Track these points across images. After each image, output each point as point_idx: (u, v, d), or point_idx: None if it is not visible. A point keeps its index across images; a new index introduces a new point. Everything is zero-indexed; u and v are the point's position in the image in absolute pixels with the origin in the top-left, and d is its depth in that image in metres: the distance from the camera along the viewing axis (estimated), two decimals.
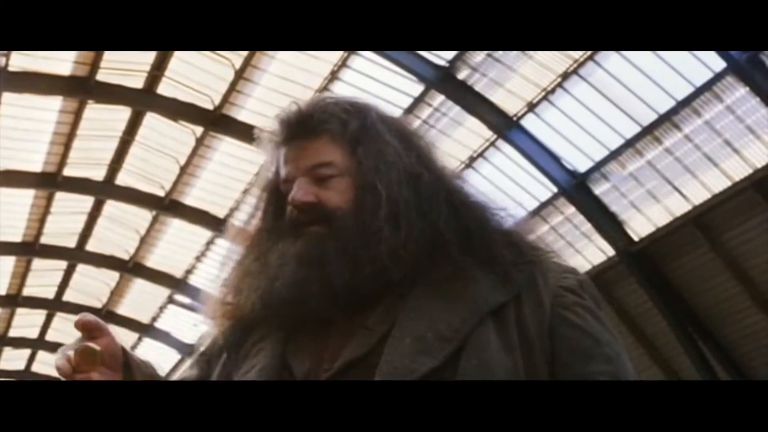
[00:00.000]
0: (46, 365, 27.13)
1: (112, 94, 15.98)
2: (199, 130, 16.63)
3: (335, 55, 14.33)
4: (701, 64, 11.71)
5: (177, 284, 21.33)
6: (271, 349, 1.57)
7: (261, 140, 1.73)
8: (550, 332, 1.52)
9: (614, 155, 13.34)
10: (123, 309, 23.53)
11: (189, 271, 20.95)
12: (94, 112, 16.61)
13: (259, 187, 1.75)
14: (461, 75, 13.75)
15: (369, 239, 1.56)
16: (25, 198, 19.17)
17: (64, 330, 25.18)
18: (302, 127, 1.67)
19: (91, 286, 22.86)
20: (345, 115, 1.66)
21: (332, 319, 1.54)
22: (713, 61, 11.51)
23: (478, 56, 13.43)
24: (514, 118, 13.84)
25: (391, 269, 1.54)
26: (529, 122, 13.84)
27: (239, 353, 1.62)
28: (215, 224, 18.34)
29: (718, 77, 11.66)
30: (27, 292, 22.98)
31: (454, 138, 14.90)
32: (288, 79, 14.99)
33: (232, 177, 17.57)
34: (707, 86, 11.85)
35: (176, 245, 20.50)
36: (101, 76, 15.60)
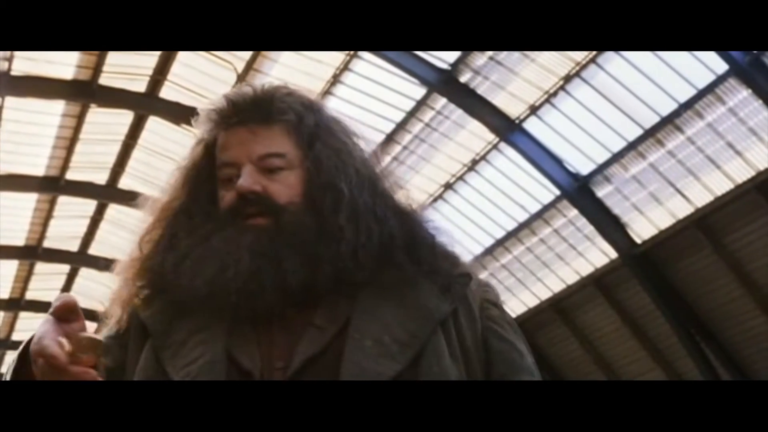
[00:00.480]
0: None
1: (115, 98, 16.01)
2: None
3: (337, 58, 14.34)
4: (703, 67, 11.71)
5: None
6: (213, 342, 1.50)
7: (200, 115, 1.67)
8: (484, 344, 1.56)
9: (616, 157, 13.34)
10: None
11: None
12: (97, 115, 16.63)
13: (187, 163, 1.69)
14: (463, 78, 13.75)
15: (329, 238, 1.54)
16: (27, 202, 19.20)
17: None
18: (256, 112, 1.62)
19: (94, 289, 22.87)
20: (301, 108, 1.64)
21: (277, 314, 1.51)
22: (715, 64, 11.51)
23: (480, 59, 13.43)
24: (517, 121, 13.85)
25: (350, 270, 1.53)
26: (532, 125, 13.84)
27: (166, 341, 1.54)
28: None
29: (720, 79, 11.66)
30: (30, 295, 23.00)
31: (456, 141, 14.91)
32: (290, 83, 14.96)
33: None
34: (709, 88, 11.85)
35: None
36: (104, 80, 15.63)
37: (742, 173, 12.21)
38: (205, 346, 1.51)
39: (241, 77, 15.19)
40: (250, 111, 1.62)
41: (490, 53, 13.20)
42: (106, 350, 1.52)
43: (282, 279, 1.51)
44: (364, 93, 14.80)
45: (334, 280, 1.53)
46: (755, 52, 11.16)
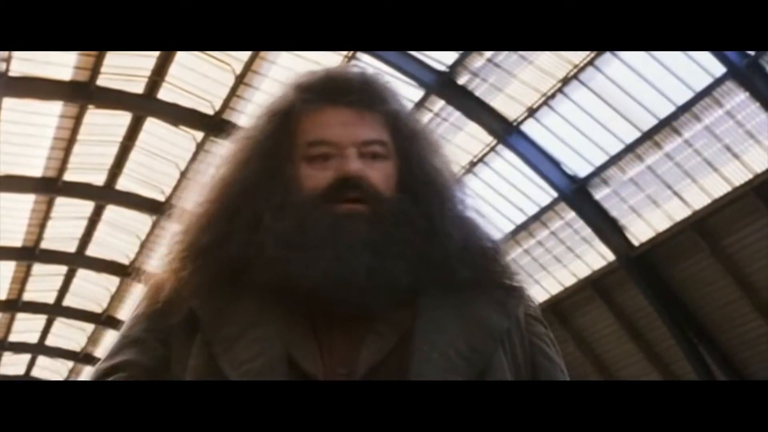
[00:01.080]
0: (46, 370, 27.12)
1: (113, 99, 15.99)
2: (199, 135, 16.63)
3: (335, 60, 14.34)
4: (701, 69, 11.72)
5: None
6: (271, 341, 1.45)
7: (293, 83, 1.60)
8: (532, 361, 1.56)
9: (614, 160, 13.35)
10: (123, 314, 23.51)
11: None
12: (95, 117, 16.61)
13: (258, 134, 1.59)
14: (461, 80, 13.76)
15: (437, 238, 1.52)
16: (25, 203, 19.18)
17: (64, 335, 25.19)
18: (364, 95, 1.57)
19: (91, 291, 22.86)
20: (402, 101, 1.62)
21: (361, 316, 1.47)
22: (713, 66, 11.52)
23: (478, 61, 13.43)
24: (514, 123, 13.85)
25: (454, 272, 1.52)
26: (529, 127, 13.85)
27: (217, 334, 1.47)
28: None
29: (717, 82, 11.67)
30: (27, 297, 22.98)
31: (454, 143, 14.90)
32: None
33: None
34: (707, 91, 11.86)
35: None
36: (102, 81, 15.61)
37: (739, 176, 12.22)
38: (263, 344, 1.45)
39: (239, 78, 15.19)
40: (359, 93, 1.57)
41: (488, 55, 13.20)
42: (141, 348, 1.50)
43: (394, 281, 1.47)
44: None
45: (434, 282, 1.51)
46: (753, 54, 11.17)
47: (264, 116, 1.61)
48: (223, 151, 1.63)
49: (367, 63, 14.19)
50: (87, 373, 1.57)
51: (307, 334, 1.47)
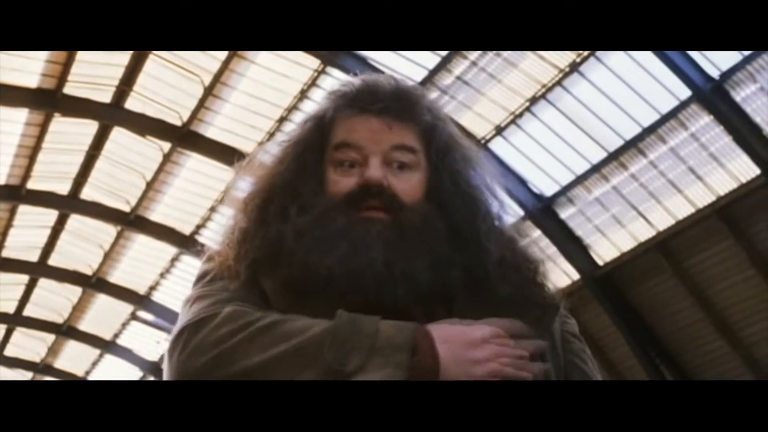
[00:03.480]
0: (5, 379, 26.71)
1: (79, 107, 15.86)
2: (166, 146, 16.54)
3: (306, 74, 14.34)
4: (667, 92, 11.86)
5: (140, 301, 21.14)
6: None
7: (331, 91, 1.64)
8: (566, 378, 1.60)
9: (580, 180, 13.46)
10: (85, 325, 23.25)
11: (153, 288, 20.77)
12: (61, 125, 16.46)
13: (297, 136, 1.64)
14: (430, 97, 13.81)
15: (463, 245, 1.53)
16: None
17: (24, 345, 24.83)
18: (395, 105, 1.59)
19: (52, 301, 22.58)
20: (436, 114, 1.64)
21: (396, 313, 1.47)
22: (679, 89, 11.67)
23: (447, 78, 13.50)
24: (483, 141, 13.92)
25: (498, 289, 1.54)
26: (497, 145, 13.92)
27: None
28: (180, 241, 18.22)
29: (683, 105, 11.81)
30: None
31: None
32: (257, 96, 14.97)
33: (199, 194, 17.47)
34: (672, 114, 12.00)
35: (140, 261, 20.32)
36: (68, 89, 15.48)
37: (703, 198, 12.36)
38: None
39: (208, 90, 15.13)
40: (389, 102, 1.59)
41: (457, 73, 13.28)
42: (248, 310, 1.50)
43: (412, 275, 1.48)
44: None
45: (463, 287, 1.52)
46: (717, 78, 11.34)
47: (303, 120, 1.68)
48: (272, 149, 1.70)
49: (337, 78, 14.21)
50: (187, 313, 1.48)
51: None
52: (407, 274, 1.48)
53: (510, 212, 1.67)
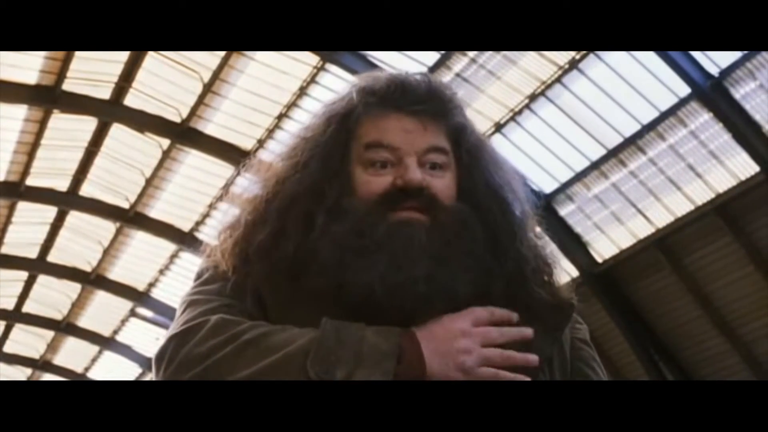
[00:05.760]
0: (3, 377, 26.71)
1: (79, 104, 15.85)
2: (165, 142, 16.53)
3: (305, 71, 14.33)
4: (666, 90, 11.86)
5: (139, 297, 21.13)
6: None
7: (355, 85, 1.57)
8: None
9: (579, 177, 13.46)
10: (84, 321, 23.25)
11: (152, 284, 20.77)
12: (60, 121, 16.45)
13: (317, 135, 1.55)
14: None
15: (501, 252, 1.51)
16: None
17: (23, 341, 24.83)
18: (429, 104, 1.54)
19: (51, 297, 22.57)
20: (466, 114, 1.60)
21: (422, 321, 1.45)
22: (678, 87, 11.67)
23: (446, 75, 13.49)
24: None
25: (534, 294, 1.52)
26: (496, 142, 13.89)
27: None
28: (179, 237, 18.22)
29: (682, 102, 11.81)
30: None
31: None
32: (256, 93, 14.96)
33: (198, 190, 17.47)
34: (672, 111, 12.00)
35: (139, 258, 20.32)
36: (67, 85, 15.47)
37: (702, 195, 12.36)
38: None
39: (207, 87, 15.12)
40: (423, 101, 1.54)
41: (456, 70, 13.27)
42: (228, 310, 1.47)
43: (454, 291, 1.45)
44: None
45: (503, 298, 1.49)
46: (717, 76, 11.34)
47: (323, 116, 1.58)
48: (278, 147, 1.62)
49: (336, 75, 14.20)
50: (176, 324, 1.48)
51: None
52: (448, 290, 1.44)
53: (535, 212, 1.64)
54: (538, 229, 1.64)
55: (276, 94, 14.78)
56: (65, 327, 23.26)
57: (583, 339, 1.63)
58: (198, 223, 17.91)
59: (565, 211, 13.96)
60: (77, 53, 14.57)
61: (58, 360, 25.33)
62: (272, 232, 1.51)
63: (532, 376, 1.47)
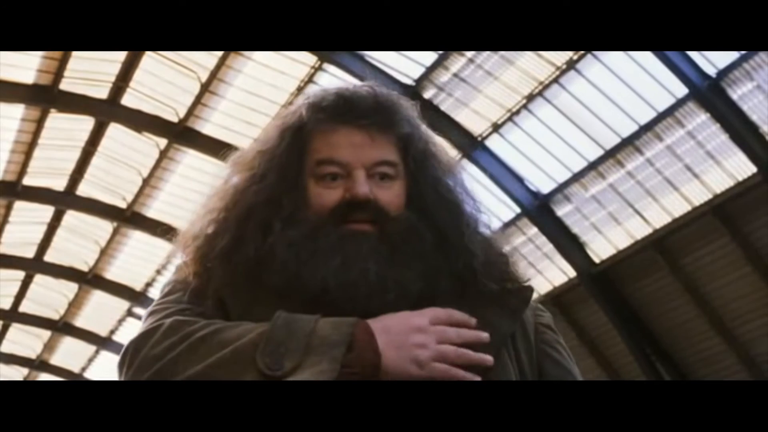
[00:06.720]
0: (0, 376, 26.69)
1: (76, 103, 15.84)
2: (163, 142, 16.52)
3: (302, 71, 14.33)
4: (664, 90, 11.87)
5: (136, 297, 21.12)
6: None
7: (299, 102, 1.63)
8: (539, 368, 1.60)
9: (577, 177, 13.46)
10: (81, 321, 23.23)
11: (149, 284, 20.76)
12: (57, 121, 16.44)
13: (274, 147, 1.62)
14: (427, 94, 13.80)
15: (449, 251, 1.56)
16: None
17: (20, 341, 24.82)
18: (376, 117, 1.59)
19: (48, 297, 22.56)
20: (414, 122, 1.65)
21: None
22: (676, 87, 11.68)
23: (443, 76, 13.50)
24: (479, 138, 13.92)
25: (485, 287, 1.57)
26: (494, 143, 13.93)
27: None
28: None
29: (679, 103, 11.82)
30: None
31: None
32: (254, 93, 14.95)
33: (195, 190, 17.44)
34: (669, 112, 12.01)
35: (137, 257, 20.31)
36: (65, 85, 15.46)
37: (699, 196, 12.37)
38: None
39: (204, 86, 15.11)
40: (370, 115, 1.59)
41: (453, 70, 13.28)
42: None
43: (404, 284, 1.51)
44: None
45: (453, 293, 1.54)
46: (714, 76, 11.35)
47: (276, 129, 1.64)
48: (234, 158, 1.68)
49: (333, 74, 14.20)
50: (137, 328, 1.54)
51: None
52: (399, 283, 1.50)
53: (484, 209, 1.69)
54: (494, 224, 1.70)
55: (274, 94, 14.77)
56: (62, 327, 23.24)
57: (547, 324, 1.67)
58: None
59: (562, 211, 13.96)
60: (75, 53, 14.56)
61: (55, 360, 25.31)
62: (232, 239, 1.58)
63: (497, 352, 1.52)
